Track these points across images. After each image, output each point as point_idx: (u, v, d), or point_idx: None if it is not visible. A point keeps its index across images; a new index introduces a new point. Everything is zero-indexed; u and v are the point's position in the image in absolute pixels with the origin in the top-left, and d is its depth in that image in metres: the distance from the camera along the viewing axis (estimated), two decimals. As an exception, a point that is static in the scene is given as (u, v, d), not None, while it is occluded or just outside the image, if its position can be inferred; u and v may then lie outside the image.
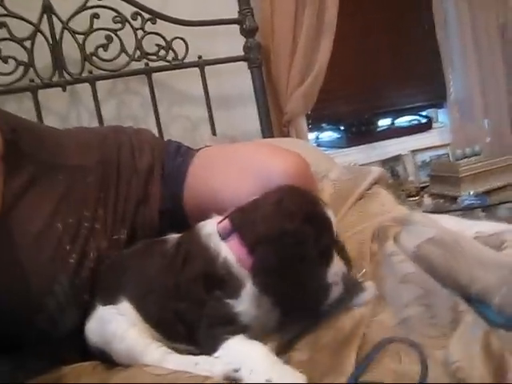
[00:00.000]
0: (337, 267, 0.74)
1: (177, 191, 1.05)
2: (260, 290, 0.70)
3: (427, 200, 2.18)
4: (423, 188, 2.32)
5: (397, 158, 2.46)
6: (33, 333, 0.83)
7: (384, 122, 2.68)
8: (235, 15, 1.95)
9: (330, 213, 0.76)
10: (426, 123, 2.69)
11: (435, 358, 0.61)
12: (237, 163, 1.02)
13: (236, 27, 1.96)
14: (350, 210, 1.24)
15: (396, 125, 2.71)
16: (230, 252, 0.74)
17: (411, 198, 2.17)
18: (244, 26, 1.94)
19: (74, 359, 0.82)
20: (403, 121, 2.73)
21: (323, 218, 0.75)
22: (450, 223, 0.84)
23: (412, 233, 0.78)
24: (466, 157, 2.14)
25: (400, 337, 0.63)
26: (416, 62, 2.58)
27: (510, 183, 2.12)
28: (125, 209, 0.99)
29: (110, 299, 0.80)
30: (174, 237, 0.85)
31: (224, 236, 0.76)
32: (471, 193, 2.00)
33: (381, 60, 2.52)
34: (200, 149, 1.14)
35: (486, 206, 1.93)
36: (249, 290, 0.71)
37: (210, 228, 0.79)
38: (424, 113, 2.75)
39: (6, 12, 1.65)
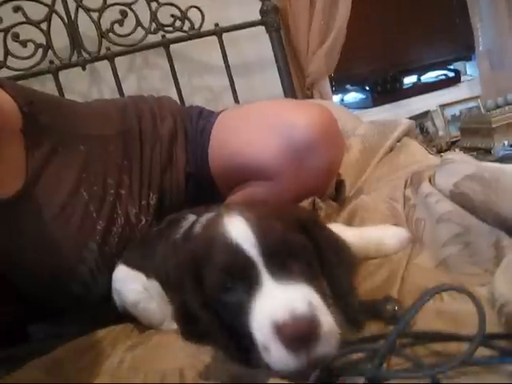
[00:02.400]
0: (261, 314, 0.50)
1: (201, 154, 1.05)
2: None
3: (459, 154, 2.11)
4: (454, 142, 2.25)
5: (425, 115, 2.38)
6: (69, 299, 0.84)
7: (410, 80, 2.60)
8: (251, -22, 1.90)
9: (237, 229, 0.55)
10: (454, 77, 2.60)
11: (479, 296, 0.59)
12: (259, 121, 1.00)
13: (252, -9, 1.92)
14: (381, 162, 1.21)
15: (422, 81, 2.62)
16: None
17: (442, 153, 2.11)
18: (260, -12, 1.89)
19: (109, 323, 0.83)
20: (430, 76, 2.64)
21: (212, 242, 0.57)
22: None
23: (448, 171, 0.75)
24: (498, 107, 2.06)
25: (449, 285, 0.59)
26: (440, 15, 2.48)
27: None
28: (150, 174, 0.98)
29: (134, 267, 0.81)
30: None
31: None
32: (505, 143, 1.93)
33: (403, 15, 2.43)
34: (222, 111, 1.13)
35: (522, 155, 1.86)
36: None
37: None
38: (452, 66, 2.65)
39: (20, -5, 1.65)
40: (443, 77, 2.62)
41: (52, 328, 0.86)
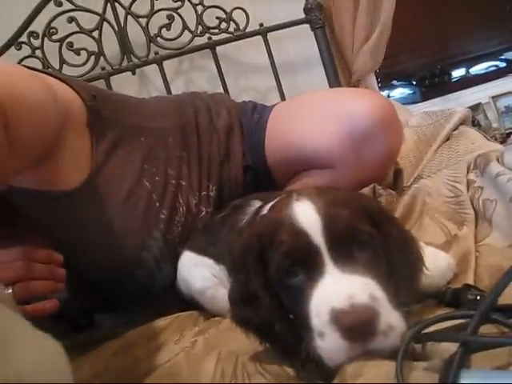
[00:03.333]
0: (320, 301, 0.50)
1: (258, 147, 1.05)
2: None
3: (515, 145, 2.04)
4: (509, 134, 2.17)
5: (476, 107, 2.31)
6: (134, 288, 0.86)
7: (459, 72, 2.53)
8: (293, -24, 1.91)
9: (305, 213, 0.54)
10: (505, 67, 2.51)
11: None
12: (316, 110, 0.99)
13: (296, -11, 1.92)
14: (438, 151, 1.18)
15: (472, 73, 2.55)
16: None
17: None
18: (303, -14, 1.89)
19: (174, 311, 0.84)
20: (480, 68, 2.56)
21: (280, 225, 0.56)
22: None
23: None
24: (555, 95, 1.98)
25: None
26: (490, 3, 2.41)
27: None
28: (209, 167, 1.00)
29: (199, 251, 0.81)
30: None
31: None
32: None
33: (449, 5, 2.38)
34: (276, 104, 1.13)
35: None
36: None
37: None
38: (503, 56, 2.57)
39: (73, 7, 1.72)
40: (494, 67, 2.54)
41: (119, 317, 0.87)
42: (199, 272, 0.78)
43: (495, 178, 0.73)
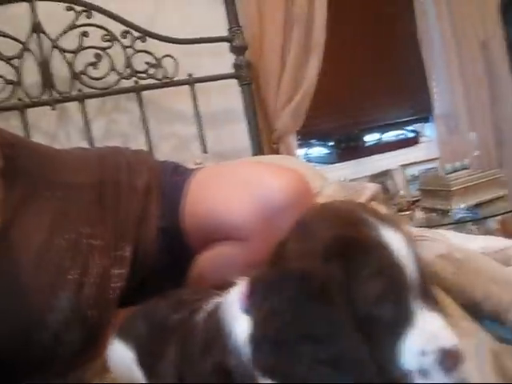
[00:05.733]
0: (424, 338, 0.48)
1: (174, 209, 1.04)
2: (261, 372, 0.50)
3: (419, 214, 2.19)
4: (414, 202, 2.33)
5: (386, 173, 2.47)
6: (38, 351, 0.80)
7: (372, 137, 2.70)
8: (224, 33, 1.96)
9: (393, 236, 0.49)
10: (413, 137, 2.72)
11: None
12: (235, 182, 1.01)
13: (225, 45, 1.97)
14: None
15: (384, 140, 2.73)
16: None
17: (402, 213, 2.18)
18: (234, 44, 1.95)
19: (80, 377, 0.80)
20: (391, 135, 2.74)
21: (368, 246, 0.49)
22: (454, 239, 0.84)
23: (422, 248, 0.77)
24: (455, 170, 2.16)
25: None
26: (401, 78, 2.61)
27: (499, 196, 2.14)
28: (125, 226, 0.97)
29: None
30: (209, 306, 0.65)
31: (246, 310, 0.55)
32: (462, 206, 2.01)
33: (366, 76, 2.53)
34: (198, 169, 1.13)
35: (478, 219, 1.94)
36: None
37: (232, 298, 0.59)
38: (411, 127, 2.77)
39: (-6, 31, 1.64)
40: (403, 136, 2.74)
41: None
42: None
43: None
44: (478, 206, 2.06)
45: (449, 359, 0.47)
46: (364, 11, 2.52)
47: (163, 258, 1.00)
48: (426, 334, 0.48)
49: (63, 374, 0.81)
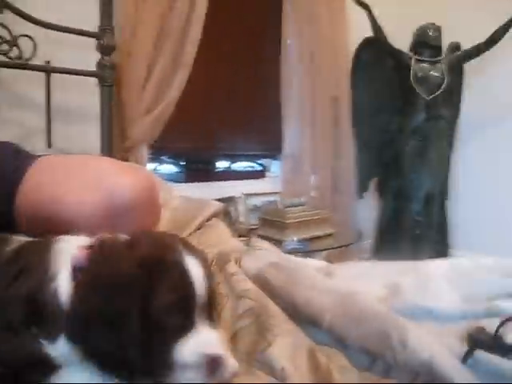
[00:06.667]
0: (197, 344, 0.58)
1: (9, 193, 0.96)
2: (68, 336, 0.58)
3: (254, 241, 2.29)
4: (252, 229, 2.45)
5: (230, 199, 2.56)
6: None
7: (222, 164, 2.79)
8: (95, 29, 1.89)
9: (193, 262, 0.61)
10: (260, 171, 2.88)
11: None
12: (83, 174, 0.97)
13: (93, 41, 1.90)
14: (189, 238, 1.26)
15: (233, 168, 2.84)
16: (67, 284, 0.60)
17: (241, 238, 2.27)
18: (102, 42, 1.89)
19: None
20: (240, 165, 2.87)
21: (171, 267, 0.60)
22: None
23: (254, 257, 0.82)
24: (292, 205, 2.33)
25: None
26: (259, 113, 2.75)
27: (327, 233, 2.36)
28: None
29: None
30: (20, 239, 0.72)
31: (76, 266, 0.62)
32: (295, 239, 2.17)
33: (227, 107, 2.62)
34: (42, 155, 1.07)
35: (306, 252, 2.11)
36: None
37: (68, 246, 0.66)
38: (260, 161, 2.94)
39: None
40: (251, 168, 2.89)
41: None
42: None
43: (230, 276, 0.81)
44: (308, 239, 2.24)
45: (210, 364, 0.57)
46: (235, 38, 2.60)
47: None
48: (199, 342, 0.58)
49: None
